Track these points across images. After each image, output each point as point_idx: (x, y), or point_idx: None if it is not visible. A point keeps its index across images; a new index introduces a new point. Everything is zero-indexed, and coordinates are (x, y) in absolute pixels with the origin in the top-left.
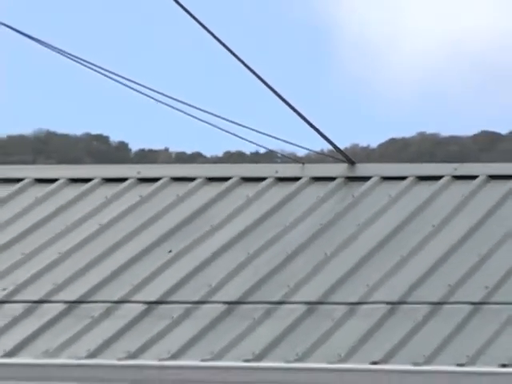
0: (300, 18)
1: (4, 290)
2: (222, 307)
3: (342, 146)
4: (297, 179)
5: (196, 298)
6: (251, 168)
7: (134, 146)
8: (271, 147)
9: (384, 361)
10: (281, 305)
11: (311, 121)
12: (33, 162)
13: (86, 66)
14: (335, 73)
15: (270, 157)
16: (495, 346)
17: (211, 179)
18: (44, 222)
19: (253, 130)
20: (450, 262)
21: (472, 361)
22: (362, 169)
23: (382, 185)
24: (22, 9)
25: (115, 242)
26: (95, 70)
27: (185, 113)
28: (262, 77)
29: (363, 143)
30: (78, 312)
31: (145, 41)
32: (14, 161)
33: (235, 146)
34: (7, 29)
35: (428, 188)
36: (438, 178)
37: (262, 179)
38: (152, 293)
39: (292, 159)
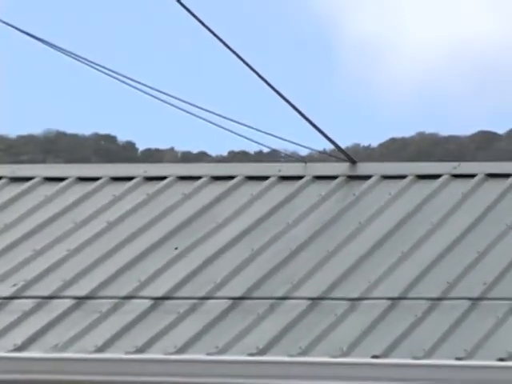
0: (302, 21)
1: (14, 285)
2: (226, 303)
3: (343, 146)
4: (299, 178)
5: (201, 294)
6: (255, 167)
7: (141, 146)
8: (274, 147)
9: (385, 355)
10: (284, 300)
11: (314, 121)
12: (42, 162)
13: (94, 68)
14: (337, 74)
15: (274, 156)
16: (493, 341)
17: (216, 178)
18: (53, 219)
19: (256, 130)
20: (449, 259)
21: (470, 355)
22: (363, 168)
23: (382, 183)
24: (32, 11)
25: (122, 240)
26: (104, 72)
27: (190, 113)
28: (266, 78)
29: (364, 143)
30: (87, 307)
31: (150, 42)
32: (23, 160)
33: (239, 145)
34: (18, 31)
35: (427, 186)
36: (436, 176)
37: (266, 178)
38: (158, 289)
39: (295, 158)
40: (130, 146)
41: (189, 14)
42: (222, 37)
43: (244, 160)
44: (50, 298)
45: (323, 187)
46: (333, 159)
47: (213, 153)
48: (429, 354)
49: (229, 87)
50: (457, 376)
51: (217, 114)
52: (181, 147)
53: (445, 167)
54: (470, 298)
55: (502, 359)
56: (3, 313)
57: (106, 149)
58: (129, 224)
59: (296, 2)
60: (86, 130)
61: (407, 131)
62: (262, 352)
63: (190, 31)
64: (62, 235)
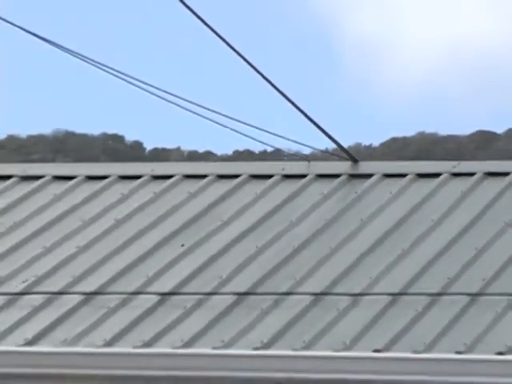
0: (304, 21)
1: (25, 281)
2: (232, 298)
3: (345, 145)
4: (303, 176)
5: (207, 290)
6: (259, 166)
7: (148, 145)
8: (278, 146)
9: (386, 349)
10: (288, 296)
11: (316, 121)
12: (52, 161)
13: (103, 69)
14: (339, 75)
15: (277, 155)
16: (492, 335)
17: (221, 176)
18: (62, 217)
19: (261, 129)
20: (449, 256)
21: (470, 349)
22: (364, 166)
23: (383, 182)
24: (39, 12)
25: (130, 237)
26: (112, 74)
27: (196, 114)
28: (270, 79)
29: (366, 142)
30: (95, 303)
31: (155, 43)
32: (34, 159)
33: (244, 144)
34: (29, 34)
35: (427, 185)
36: (436, 175)
37: (270, 176)
38: (165, 284)
39: (298, 157)
40: (138, 145)
41: (193, 16)
42: (226, 38)
43: (249, 159)
44: (60, 293)
45: (326, 185)
46: (335, 158)
47: (218, 152)
48: (429, 348)
49: (234, 88)
50: (456, 370)
51: (222, 115)
52: (187, 146)
53: (444, 166)
54: (469, 294)
55: (500, 353)
56: (14, 308)
57: (114, 148)
58: (136, 222)
59: (297, 3)
60: (95, 130)
61: (408, 131)
62: (266, 346)
63: (196, 33)
64: (71, 232)
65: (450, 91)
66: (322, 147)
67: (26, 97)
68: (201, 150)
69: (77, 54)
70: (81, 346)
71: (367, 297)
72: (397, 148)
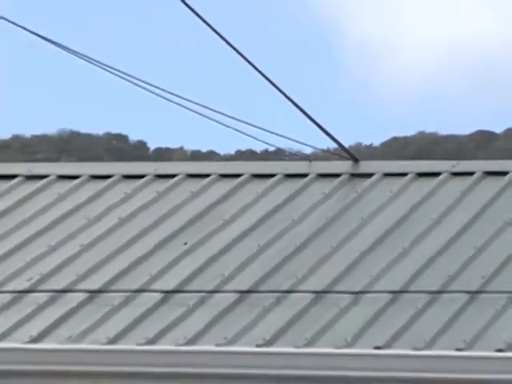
0: (304, 22)
1: (30, 279)
2: (234, 296)
3: (346, 145)
4: (304, 176)
5: (210, 288)
6: (261, 165)
7: (152, 145)
8: (280, 146)
9: (387, 346)
10: (289, 294)
11: (317, 121)
12: (56, 160)
13: (107, 70)
14: (340, 75)
15: (279, 155)
16: (491, 332)
17: (224, 176)
18: (67, 216)
19: (263, 129)
20: (448, 254)
21: (469, 346)
22: (365, 166)
23: (384, 181)
24: (42, 13)
25: (134, 235)
26: (116, 75)
27: (199, 114)
28: (272, 80)
29: (366, 142)
30: (99, 301)
31: (158, 44)
32: (38, 159)
33: (246, 144)
34: (34, 35)
35: (427, 184)
36: (436, 174)
37: (271, 176)
38: (169, 282)
39: (299, 157)
40: (142, 145)
41: (196, 17)
42: (228, 39)
43: (251, 158)
44: (64, 291)
45: (327, 185)
46: (336, 158)
47: (221, 151)
48: (429, 345)
49: (236, 89)
50: (456, 366)
51: (225, 115)
52: (190, 146)
53: (444, 165)
54: (468, 292)
55: (500, 350)
56: (19, 306)
57: (117, 148)
58: (140, 220)
59: (298, 4)
60: (99, 130)
61: (408, 130)
62: (268, 343)
63: (198, 34)
64: (75, 231)
65: (449, 91)
66: (323, 147)
67: (30, 97)
68: (204, 150)
69: (82, 55)
70: (85, 343)
71: (368, 295)
72: (397, 147)
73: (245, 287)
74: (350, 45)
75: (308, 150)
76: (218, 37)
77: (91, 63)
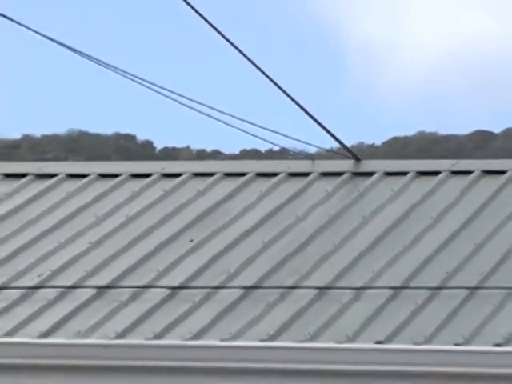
0: (309, 25)
1: (40, 276)
2: (239, 292)
3: (348, 144)
4: (307, 174)
5: (215, 284)
6: (265, 164)
7: (159, 144)
8: (284, 145)
9: (388, 340)
10: (293, 289)
11: (321, 121)
12: (65, 159)
13: (116, 72)
14: (343, 77)
15: (283, 154)
16: (489, 327)
17: (229, 175)
18: (76, 214)
19: (267, 129)
20: (448, 251)
21: (468, 341)
22: (366, 165)
23: (385, 180)
24: (49, 14)
25: (141, 233)
26: (125, 76)
27: (205, 114)
28: (276, 81)
29: (368, 141)
30: (108, 296)
31: (165, 46)
32: (48, 158)
33: (251, 144)
34: (43, 37)
35: (427, 182)
36: (436, 173)
37: (276, 174)
38: (175, 279)
39: (303, 156)
40: (149, 144)
41: (202, 19)
42: (233, 42)
43: (255, 158)
44: (73, 287)
45: (329, 183)
46: (339, 157)
47: (226, 151)
48: (429, 339)
49: (241, 90)
50: (455, 360)
51: (230, 115)
52: (196, 146)
53: (444, 164)
54: (467, 288)
55: (498, 344)
56: (29, 301)
57: (125, 147)
58: (147, 218)
59: (302, 7)
60: (107, 130)
61: (408, 130)
62: (272, 338)
63: (205, 36)
64: (84, 229)
65: (449, 91)
66: (326, 146)
67: (40, 98)
68: (209, 149)
69: (90, 57)
70: (94, 337)
71: (369, 291)
72: (398, 147)
73: (249, 283)
74: (353, 48)
75: (311, 150)
76: (224, 40)
77: (101, 66)
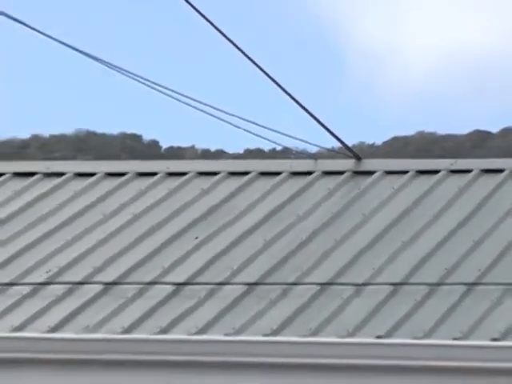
0: (311, 27)
1: (48, 272)
2: (242, 288)
3: (350, 144)
4: (309, 173)
5: (219, 280)
6: (268, 163)
7: (165, 144)
8: (287, 145)
9: (388, 335)
10: (295, 286)
11: (322, 121)
12: (73, 159)
13: (123, 73)
14: (344, 78)
15: (286, 153)
16: (487, 322)
17: (232, 174)
18: (83, 212)
19: (270, 129)
20: (447, 248)
21: (466, 335)
22: (367, 164)
23: (385, 178)
24: (55, 15)
25: (147, 230)
26: (131, 77)
27: (210, 114)
28: (279, 82)
29: (369, 141)
30: (114, 292)
31: (171, 48)
32: (56, 157)
33: (254, 143)
34: (49, 38)
35: (427, 181)
36: (435, 172)
37: (278, 173)
38: (180, 275)
39: (305, 155)
40: (154, 144)
41: (205, 21)
42: (237, 43)
43: (258, 157)
44: (81, 283)
45: (331, 182)
46: (340, 156)
47: (230, 150)
48: (428, 334)
49: (245, 90)
50: (454, 355)
51: (234, 115)
52: (201, 145)
53: (443, 163)
54: (465, 284)
55: (495, 339)
56: (38, 297)
57: (132, 147)
58: (152, 216)
59: (303, 8)
60: (114, 130)
61: (408, 130)
62: (275, 333)
63: (208, 37)
64: (91, 226)
65: (449, 92)
66: (328, 146)
67: (49, 99)
68: (213, 149)
69: (100, 59)
70: (101, 332)
71: (370, 287)
72: (398, 146)
73: (252, 280)
74: (353, 48)
75: (313, 149)
76: (228, 41)
77: (109, 67)
